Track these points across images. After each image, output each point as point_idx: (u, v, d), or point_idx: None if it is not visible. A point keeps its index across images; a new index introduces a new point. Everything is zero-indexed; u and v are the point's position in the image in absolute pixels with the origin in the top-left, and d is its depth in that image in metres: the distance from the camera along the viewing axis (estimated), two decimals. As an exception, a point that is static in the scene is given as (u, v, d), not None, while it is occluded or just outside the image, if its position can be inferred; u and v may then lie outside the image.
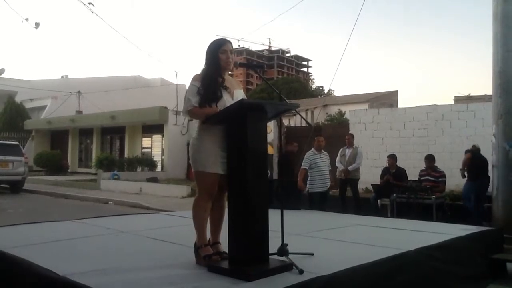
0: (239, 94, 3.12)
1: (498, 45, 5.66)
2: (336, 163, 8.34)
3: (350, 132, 10.13)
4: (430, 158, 8.06)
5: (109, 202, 12.11)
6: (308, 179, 7.10)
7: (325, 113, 25.08)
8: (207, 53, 3.09)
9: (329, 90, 44.32)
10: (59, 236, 4.08)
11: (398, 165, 8.53)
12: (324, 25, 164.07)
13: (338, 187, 8.32)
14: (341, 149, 8.41)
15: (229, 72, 3.20)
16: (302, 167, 7.12)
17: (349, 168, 8.08)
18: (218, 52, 3.03)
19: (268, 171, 3.36)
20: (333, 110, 25.74)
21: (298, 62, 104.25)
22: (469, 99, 22.10)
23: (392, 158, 8.52)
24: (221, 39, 3.16)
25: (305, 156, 7.18)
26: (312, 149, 7.21)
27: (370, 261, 2.95)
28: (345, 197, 8.17)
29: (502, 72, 5.63)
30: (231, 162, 2.87)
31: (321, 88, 58.45)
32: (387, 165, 8.62)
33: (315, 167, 7.03)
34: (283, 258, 2.85)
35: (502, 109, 5.61)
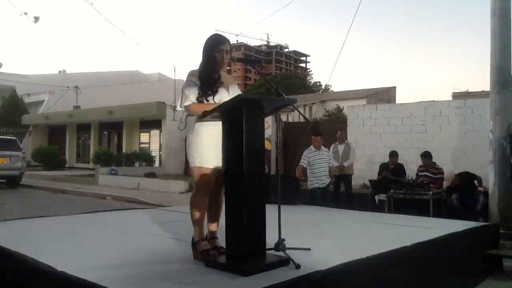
0: (235, 89, 3.14)
1: (496, 41, 5.66)
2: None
3: (347, 127, 10.14)
4: (426, 155, 8.05)
5: (107, 197, 12.10)
6: (308, 176, 7.12)
7: (323, 108, 25.12)
8: (204, 49, 3.08)
9: (326, 85, 44.30)
10: (56, 231, 4.09)
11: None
12: (322, 20, 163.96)
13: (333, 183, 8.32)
14: (332, 146, 8.39)
15: (227, 68, 3.20)
16: (300, 163, 7.14)
17: (345, 164, 8.08)
18: (214, 51, 3.02)
19: (266, 167, 3.37)
20: (331, 105, 25.78)
21: (296, 58, 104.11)
22: (467, 95, 22.17)
23: (394, 156, 8.50)
24: (220, 37, 3.11)
25: (303, 153, 7.19)
26: (311, 146, 7.22)
27: (367, 256, 2.95)
28: (338, 193, 8.19)
29: (500, 68, 5.63)
30: (228, 158, 2.87)
31: (318, 84, 58.45)
32: (385, 161, 8.60)
33: (313, 164, 7.05)
34: (280, 253, 2.85)
35: (499, 105, 5.61)
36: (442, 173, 7.90)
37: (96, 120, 22.22)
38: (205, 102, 2.98)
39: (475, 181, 7.61)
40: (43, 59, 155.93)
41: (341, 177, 8.13)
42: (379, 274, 2.99)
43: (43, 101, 26.47)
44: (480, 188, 7.47)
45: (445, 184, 7.82)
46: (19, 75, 29.63)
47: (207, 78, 3.00)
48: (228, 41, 3.10)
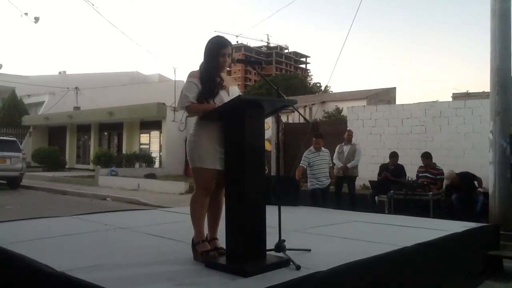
0: (234, 90, 3.14)
1: (496, 42, 5.66)
2: (334, 160, 8.32)
3: (347, 128, 10.11)
4: (426, 156, 8.05)
5: (107, 198, 12.10)
6: (308, 177, 7.12)
7: (323, 110, 25.12)
8: (206, 51, 3.07)
9: (326, 86, 44.34)
10: (56, 232, 4.08)
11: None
12: (322, 21, 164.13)
13: (334, 183, 8.31)
14: (338, 146, 8.34)
15: (227, 68, 3.21)
16: (300, 165, 7.13)
17: (349, 165, 8.03)
18: (217, 54, 3.02)
19: (266, 168, 3.36)
20: (331, 106, 25.78)
21: (296, 59, 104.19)
22: (467, 96, 22.18)
23: (394, 157, 8.50)
24: (222, 40, 3.09)
25: (303, 155, 7.18)
26: (311, 147, 7.21)
27: (367, 257, 2.95)
28: (340, 194, 8.15)
29: (500, 69, 5.63)
30: (229, 158, 2.87)
31: (318, 85, 58.54)
32: (385, 162, 8.59)
33: (314, 165, 7.05)
34: (281, 254, 2.85)
35: (499, 106, 5.62)
36: (442, 173, 7.90)
37: (96, 121, 22.23)
38: (205, 103, 2.98)
39: (475, 182, 7.61)
40: (43, 60, 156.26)
41: (345, 178, 8.09)
42: (379, 275, 2.99)
43: (43, 102, 26.48)
44: (480, 189, 7.47)
45: (445, 182, 7.82)
46: (19, 76, 29.64)
47: (208, 80, 3.00)
48: (230, 44, 3.09)
